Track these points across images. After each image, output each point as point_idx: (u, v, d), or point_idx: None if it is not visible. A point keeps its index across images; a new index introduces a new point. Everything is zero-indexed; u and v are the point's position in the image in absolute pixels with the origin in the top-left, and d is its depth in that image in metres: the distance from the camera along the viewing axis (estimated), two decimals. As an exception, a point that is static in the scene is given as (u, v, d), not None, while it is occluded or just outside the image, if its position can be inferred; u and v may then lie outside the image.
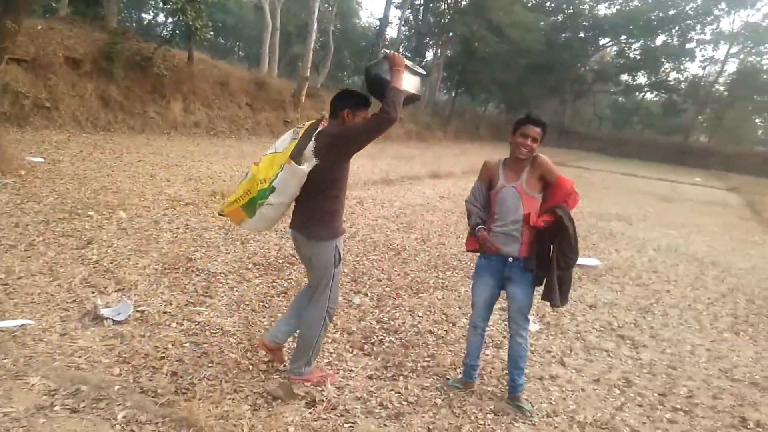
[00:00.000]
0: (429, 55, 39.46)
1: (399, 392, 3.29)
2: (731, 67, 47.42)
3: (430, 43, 37.83)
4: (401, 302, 4.85)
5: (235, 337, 3.71)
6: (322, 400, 3.07)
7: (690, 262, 7.94)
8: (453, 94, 40.33)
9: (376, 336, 4.06)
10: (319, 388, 3.17)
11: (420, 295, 5.11)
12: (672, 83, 46.90)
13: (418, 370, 3.61)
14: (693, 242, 9.53)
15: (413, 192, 11.41)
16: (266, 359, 3.44)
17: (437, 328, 4.36)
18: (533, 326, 4.60)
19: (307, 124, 3.02)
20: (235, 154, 13.17)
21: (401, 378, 3.47)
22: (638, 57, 45.90)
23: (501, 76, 37.72)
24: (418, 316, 4.58)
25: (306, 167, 2.86)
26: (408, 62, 2.97)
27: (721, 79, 47.11)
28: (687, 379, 4.03)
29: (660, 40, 44.88)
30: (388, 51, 3.00)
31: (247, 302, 4.35)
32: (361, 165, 14.35)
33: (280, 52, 30.95)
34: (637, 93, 51.54)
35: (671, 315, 5.44)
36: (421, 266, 6.03)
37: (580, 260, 7.14)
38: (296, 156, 2.87)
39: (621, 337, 4.68)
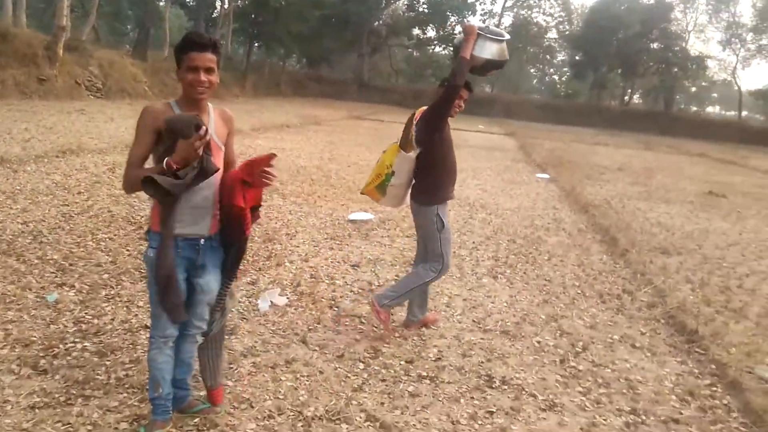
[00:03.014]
0: (217, 3, 36.84)
1: (68, 423, 2.46)
2: (507, 20, 51.85)
3: (217, -9, 35.24)
4: (120, 291, 3.93)
5: None
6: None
7: (462, 206, 8.04)
8: (248, 48, 38.20)
9: (65, 344, 3.13)
10: None
11: (149, 278, 4.22)
12: (458, 36, 49.86)
13: (110, 385, 2.79)
14: (468, 186, 9.79)
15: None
16: None
17: (157, 320, 3.56)
18: (280, 300, 4.02)
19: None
20: (-44, 120, 10.69)
21: (80, 400, 2.63)
22: (426, 11, 47.82)
23: (296, 28, 36.43)
24: (137, 306, 3.71)
25: (413, 153, 3.54)
26: (491, 29, 3.44)
27: (499, 32, 51.29)
28: (438, 337, 3.76)
29: (445, -7, 47.16)
30: (465, 22, 2.69)
31: None
32: (129, 126, 12.64)
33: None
34: (428, 47, 53.92)
35: (435, 266, 5.26)
36: (165, 241, 5.10)
37: (353, 215, 6.83)
38: (404, 146, 3.58)
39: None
